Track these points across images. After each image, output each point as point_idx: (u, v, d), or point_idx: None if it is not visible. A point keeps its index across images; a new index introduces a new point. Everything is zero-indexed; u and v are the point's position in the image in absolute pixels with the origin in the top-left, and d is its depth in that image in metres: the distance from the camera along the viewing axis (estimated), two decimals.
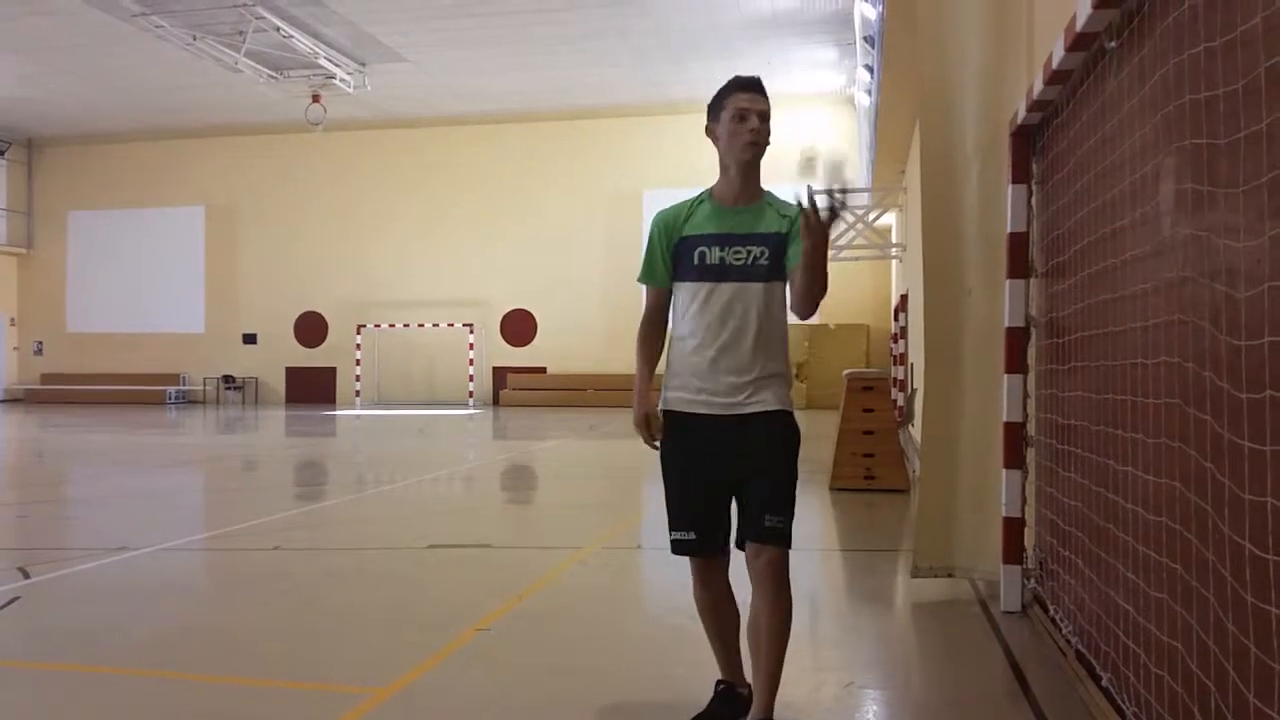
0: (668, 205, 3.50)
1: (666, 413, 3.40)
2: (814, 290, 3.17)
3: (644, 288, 3.53)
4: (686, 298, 3.36)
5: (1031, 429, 4.97)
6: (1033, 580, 5.00)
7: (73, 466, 13.41)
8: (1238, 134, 2.30)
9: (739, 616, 3.52)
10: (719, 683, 3.57)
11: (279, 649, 4.63)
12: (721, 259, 3.30)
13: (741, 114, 3.27)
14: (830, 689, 4.02)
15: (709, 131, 3.37)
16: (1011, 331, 4.93)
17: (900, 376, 17.61)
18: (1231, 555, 2.33)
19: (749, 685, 3.46)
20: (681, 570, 3.63)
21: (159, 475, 12.21)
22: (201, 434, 19.19)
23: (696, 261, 3.32)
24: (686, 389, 3.34)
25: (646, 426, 3.41)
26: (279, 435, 18.76)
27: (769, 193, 3.41)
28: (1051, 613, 4.58)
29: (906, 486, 9.32)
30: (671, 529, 3.42)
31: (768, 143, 3.32)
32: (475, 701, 3.89)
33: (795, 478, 3.32)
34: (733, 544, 3.40)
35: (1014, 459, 4.97)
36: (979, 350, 5.30)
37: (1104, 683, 3.56)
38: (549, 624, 5.04)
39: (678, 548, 3.42)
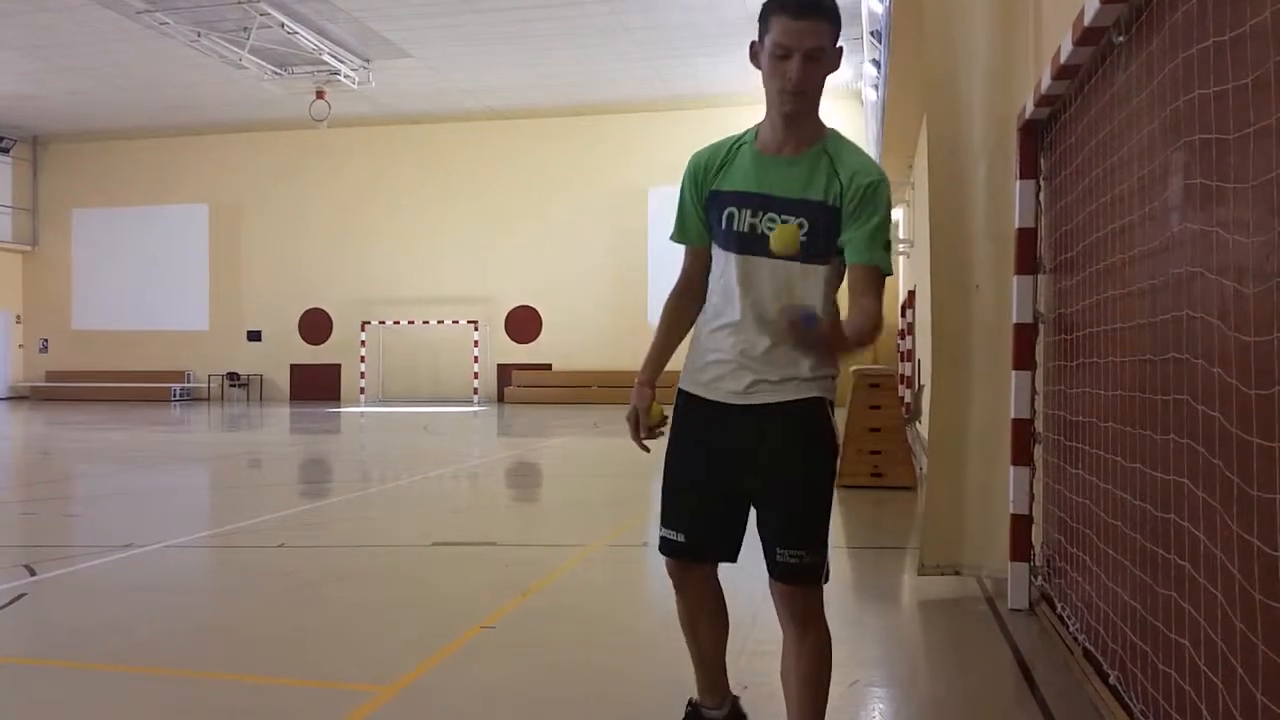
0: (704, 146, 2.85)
1: (681, 392, 2.84)
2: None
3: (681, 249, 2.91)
4: (719, 265, 2.77)
5: (1039, 425, 4.96)
6: (1040, 578, 4.98)
7: (78, 464, 13.43)
8: (1247, 129, 2.29)
9: (725, 630, 3.03)
10: (689, 702, 3.13)
11: (283, 646, 4.63)
12: (753, 226, 2.66)
13: (782, 50, 2.52)
14: (836, 686, 3.98)
15: (752, 51, 2.64)
16: (1019, 327, 4.91)
17: (907, 373, 17.58)
18: (1240, 552, 2.31)
19: (730, 698, 3.10)
20: None
21: (164, 472, 12.22)
22: (206, 431, 19.21)
23: (724, 225, 2.71)
24: (704, 370, 2.78)
25: (635, 424, 2.84)
26: (284, 432, 18.79)
27: (832, 134, 2.70)
28: (1059, 610, 4.56)
29: (914, 483, 9.31)
30: (662, 524, 2.89)
31: (820, 89, 2.60)
32: (480, 699, 3.88)
33: (825, 495, 2.73)
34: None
35: (1022, 456, 4.95)
36: (987, 346, 5.28)
37: (1111, 680, 3.54)
38: (554, 622, 5.04)
39: (664, 547, 2.88)
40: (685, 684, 3.22)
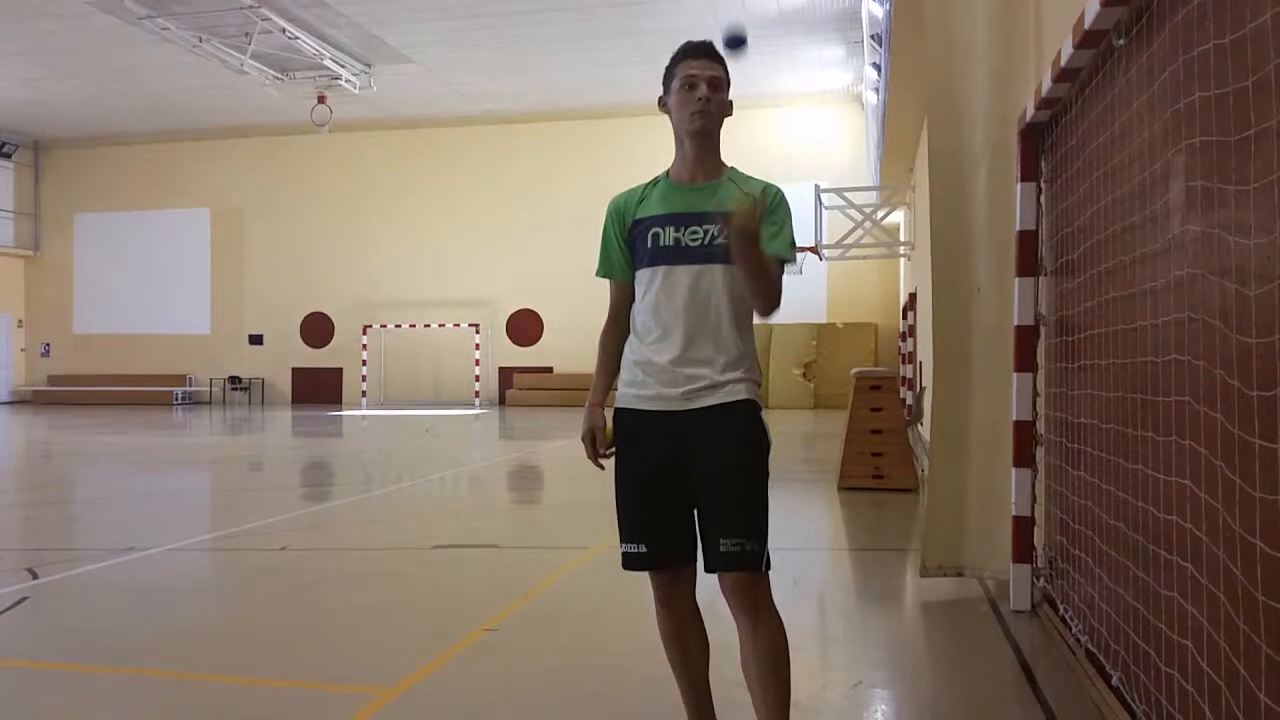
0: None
1: (619, 411, 3.06)
2: (757, 296, 2.91)
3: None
4: (643, 286, 3.04)
5: (1041, 427, 4.96)
6: (1042, 579, 4.99)
7: (80, 467, 13.44)
8: (1248, 131, 2.29)
9: (708, 648, 3.15)
10: None
11: (286, 649, 4.63)
12: (677, 240, 2.98)
13: (690, 81, 2.97)
14: (838, 688, 4.01)
15: (661, 104, 3.07)
16: (1021, 329, 4.91)
17: (909, 375, 17.58)
18: (1242, 553, 2.32)
19: None
20: None
21: (166, 476, 12.23)
22: (208, 435, 19.22)
23: (650, 244, 3.01)
24: (641, 385, 2.99)
25: (591, 443, 3.10)
26: (285, 436, 18.79)
27: (732, 169, 3.10)
28: (1061, 612, 4.57)
29: (915, 485, 9.30)
30: (621, 540, 3.08)
31: (722, 113, 3.03)
32: (482, 701, 3.89)
33: (760, 487, 2.93)
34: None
35: (1024, 457, 4.95)
36: (988, 348, 5.29)
37: (1114, 682, 3.55)
38: (556, 624, 5.04)
39: (628, 562, 3.06)
40: None
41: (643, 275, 3.05)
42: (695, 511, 2.98)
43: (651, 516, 3.02)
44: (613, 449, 3.08)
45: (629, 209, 3.10)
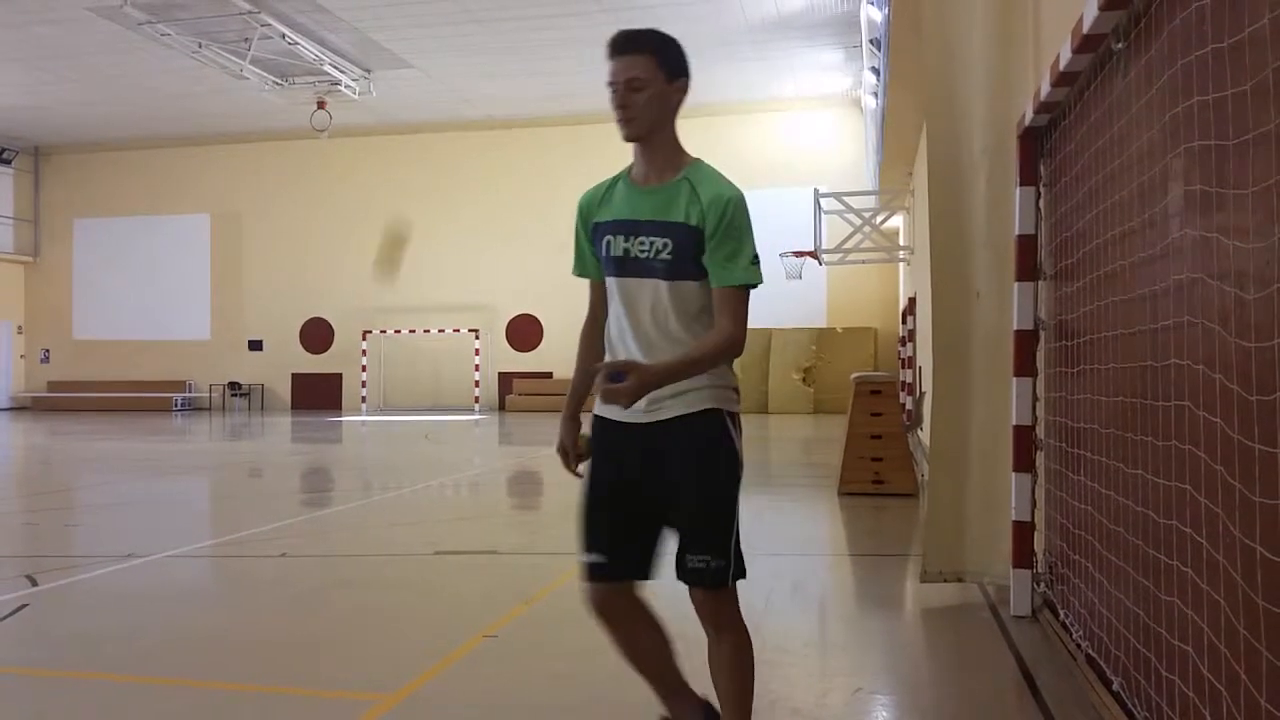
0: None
1: (595, 418, 2.97)
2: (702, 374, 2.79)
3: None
4: (609, 294, 2.95)
5: (1041, 432, 4.96)
6: (1043, 584, 4.98)
7: (80, 473, 13.43)
8: (1246, 135, 2.29)
9: (667, 641, 3.06)
10: None
11: (286, 655, 4.63)
12: (625, 250, 2.85)
13: (610, 86, 2.83)
14: (839, 694, 4.01)
15: None
16: (1020, 334, 4.91)
17: (908, 380, 17.57)
18: (1242, 558, 2.31)
19: (700, 704, 3.07)
20: None
21: (166, 482, 12.22)
22: (208, 441, 19.21)
23: (605, 252, 2.90)
24: None
25: (566, 455, 2.99)
26: (285, 441, 18.78)
27: (695, 164, 2.91)
28: (1062, 617, 4.56)
29: (915, 491, 9.30)
30: (584, 549, 2.94)
31: (657, 108, 2.84)
32: (483, 707, 3.88)
33: (726, 499, 2.82)
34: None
35: (1023, 462, 4.95)
36: (988, 353, 5.29)
37: (1115, 687, 3.54)
38: (557, 629, 5.03)
39: (588, 573, 2.92)
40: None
41: (607, 283, 2.96)
42: (663, 526, 2.90)
43: (618, 529, 2.90)
44: (589, 460, 3.02)
45: (591, 210, 3.01)
